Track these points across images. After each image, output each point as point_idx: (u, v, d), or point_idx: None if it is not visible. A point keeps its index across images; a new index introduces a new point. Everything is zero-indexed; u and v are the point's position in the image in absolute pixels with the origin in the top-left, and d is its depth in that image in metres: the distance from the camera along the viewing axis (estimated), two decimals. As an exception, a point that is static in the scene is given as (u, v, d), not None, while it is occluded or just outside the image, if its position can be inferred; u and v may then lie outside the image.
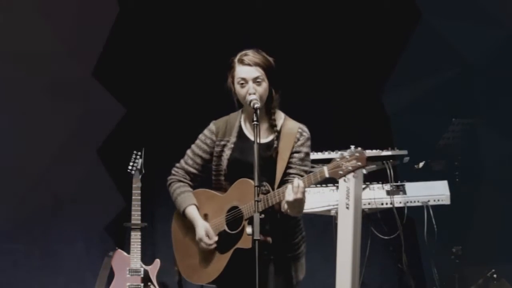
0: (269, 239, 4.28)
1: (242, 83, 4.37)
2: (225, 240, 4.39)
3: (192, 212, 4.47)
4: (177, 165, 4.59)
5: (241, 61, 4.39)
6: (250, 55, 4.39)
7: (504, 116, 6.98)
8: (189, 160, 4.55)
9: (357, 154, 4.11)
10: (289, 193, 4.17)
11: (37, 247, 7.20)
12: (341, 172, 4.13)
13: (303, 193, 4.19)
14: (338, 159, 4.14)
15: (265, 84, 4.38)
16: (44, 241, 7.22)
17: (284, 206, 4.26)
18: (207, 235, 4.41)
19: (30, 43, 6.99)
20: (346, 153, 4.17)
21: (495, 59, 6.98)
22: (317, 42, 7.38)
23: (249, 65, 4.36)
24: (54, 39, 7.11)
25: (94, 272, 7.01)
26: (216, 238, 4.41)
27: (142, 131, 7.40)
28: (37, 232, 7.16)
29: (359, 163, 4.10)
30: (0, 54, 6.98)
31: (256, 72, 4.36)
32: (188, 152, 4.57)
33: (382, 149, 6.25)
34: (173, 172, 4.59)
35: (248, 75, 4.36)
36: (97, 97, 7.28)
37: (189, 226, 4.49)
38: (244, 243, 4.29)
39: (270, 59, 4.42)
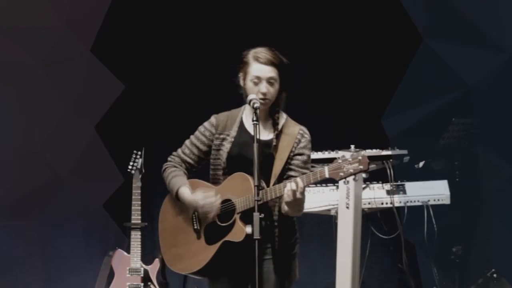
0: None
1: (256, 82, 4.33)
2: (214, 232, 4.35)
3: (185, 191, 4.39)
4: (174, 153, 4.55)
5: (257, 59, 4.33)
6: (266, 53, 4.34)
7: (504, 139, 6.95)
8: (186, 150, 4.52)
9: (360, 158, 4.06)
10: (288, 195, 4.14)
11: (36, 224, 7.16)
12: (341, 174, 4.09)
13: (303, 193, 4.17)
14: (340, 161, 4.10)
15: (277, 86, 4.35)
16: (42, 217, 7.17)
17: (284, 208, 4.24)
18: (207, 198, 4.31)
19: (28, 18, 6.93)
20: (348, 155, 4.13)
21: (495, 83, 6.95)
22: (318, 65, 7.36)
23: (265, 64, 4.32)
24: (53, 15, 7.06)
25: (91, 251, 7.05)
26: (219, 198, 4.31)
27: (141, 108, 7.41)
28: (35, 208, 7.12)
29: (361, 167, 4.05)
30: (-1, 29, 6.98)
31: (271, 72, 4.33)
32: (186, 142, 4.53)
33: (382, 148, 6.26)
34: (169, 159, 4.56)
35: (264, 74, 4.32)
36: (96, 73, 7.25)
37: (178, 214, 4.45)
38: (235, 236, 4.26)
39: (284, 58, 4.38)
